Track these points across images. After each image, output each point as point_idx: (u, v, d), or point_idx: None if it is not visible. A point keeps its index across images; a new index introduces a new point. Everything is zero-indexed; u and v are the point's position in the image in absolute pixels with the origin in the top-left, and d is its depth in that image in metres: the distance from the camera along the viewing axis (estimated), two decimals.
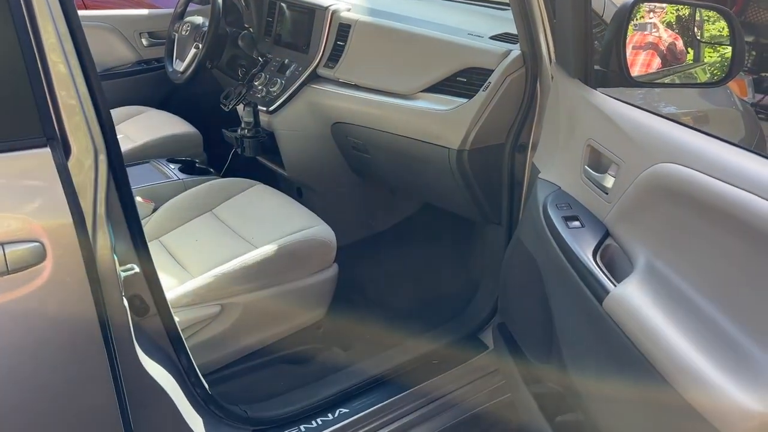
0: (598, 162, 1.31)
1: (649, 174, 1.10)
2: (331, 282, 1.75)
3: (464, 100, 1.67)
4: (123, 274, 1.14)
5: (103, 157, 1.09)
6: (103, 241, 1.09)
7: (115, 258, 1.12)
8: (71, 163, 1.05)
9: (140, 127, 2.49)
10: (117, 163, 1.12)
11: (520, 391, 1.52)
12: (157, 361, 1.26)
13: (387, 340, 1.85)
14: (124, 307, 1.13)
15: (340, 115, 2.04)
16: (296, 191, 2.37)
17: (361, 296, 2.11)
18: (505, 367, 1.63)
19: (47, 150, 1.01)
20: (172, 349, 1.31)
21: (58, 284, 1.02)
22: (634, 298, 1.04)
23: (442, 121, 1.72)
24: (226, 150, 2.38)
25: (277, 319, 1.69)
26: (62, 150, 1.04)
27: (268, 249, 1.64)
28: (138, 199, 1.92)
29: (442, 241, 2.30)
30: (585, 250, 1.17)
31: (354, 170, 2.24)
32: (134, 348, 1.16)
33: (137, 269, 1.16)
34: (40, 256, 0.99)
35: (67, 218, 1.01)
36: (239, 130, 2.20)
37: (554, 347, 1.37)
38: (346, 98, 1.99)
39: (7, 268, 0.97)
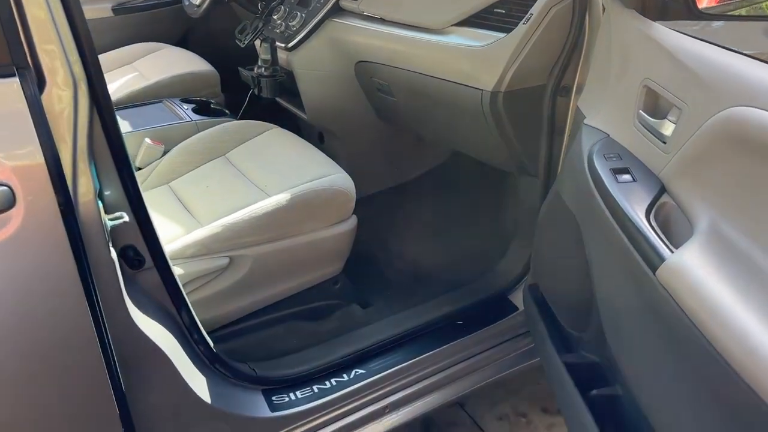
0: (655, 106, 1.12)
1: (720, 119, 0.92)
2: (349, 235, 1.62)
3: (502, 35, 1.48)
4: (110, 224, 1.02)
5: (83, 89, 0.95)
6: (85, 186, 0.96)
7: (100, 205, 1.00)
8: (45, 96, 0.91)
9: (155, 64, 2.36)
10: (101, 97, 0.99)
11: (551, 358, 1.39)
12: (154, 318, 1.15)
13: (409, 298, 1.73)
14: (112, 259, 1.02)
15: (364, 52, 1.87)
16: (318, 137, 2.23)
17: (382, 251, 1.98)
18: (535, 332, 1.49)
19: (16, 80, 0.88)
20: (171, 305, 1.21)
21: (32, 234, 0.90)
22: (694, 267, 0.88)
23: (476, 59, 1.53)
24: (246, 91, 2.24)
25: (290, 273, 1.57)
26: (35, 81, 0.91)
27: (282, 198, 1.51)
28: (147, 141, 1.81)
29: (471, 194, 2.14)
30: (636, 209, 1.01)
31: (379, 115, 2.07)
32: (125, 304, 1.06)
33: (127, 218, 1.04)
34: (9, 202, 0.88)
35: (39, 158, 0.89)
36: (256, 69, 2.04)
37: (592, 315, 1.23)
38: (371, 34, 1.82)
39: None
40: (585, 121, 1.30)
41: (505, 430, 1.93)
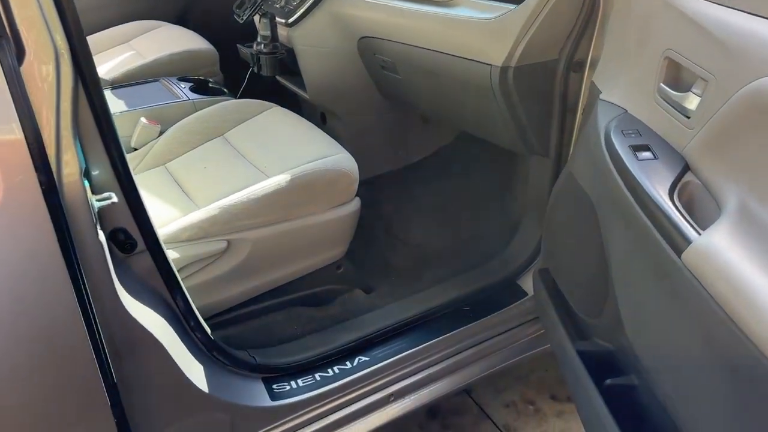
0: (677, 78, 1.05)
1: (750, 91, 0.85)
2: (352, 217, 1.56)
3: (512, 6, 1.41)
4: (97, 205, 0.96)
5: (66, 60, 0.89)
6: (69, 165, 0.90)
7: (86, 185, 0.94)
8: (25, 68, 0.85)
9: (152, 42, 2.29)
10: (86, 69, 0.92)
11: (563, 346, 1.33)
12: (147, 304, 1.10)
13: (413, 283, 1.68)
14: (100, 243, 0.96)
15: (367, 27, 1.79)
16: (319, 117, 2.16)
17: (386, 234, 1.92)
18: (546, 318, 1.43)
19: None
20: (166, 290, 1.15)
21: (11, 215, 0.84)
22: (723, 249, 0.81)
23: (485, 32, 1.46)
24: (246, 70, 2.16)
25: (291, 258, 1.51)
26: (13, 51, 0.84)
27: (282, 179, 1.44)
28: (143, 120, 1.75)
29: (478, 176, 2.08)
30: (659, 188, 0.94)
31: (382, 93, 2.00)
32: (115, 290, 1.00)
33: (115, 198, 0.98)
34: None
35: (19, 134, 0.82)
36: (255, 46, 1.97)
37: (608, 301, 1.17)
38: (374, 7, 1.74)
39: None
40: (601, 97, 1.23)
41: (512, 417, 1.88)
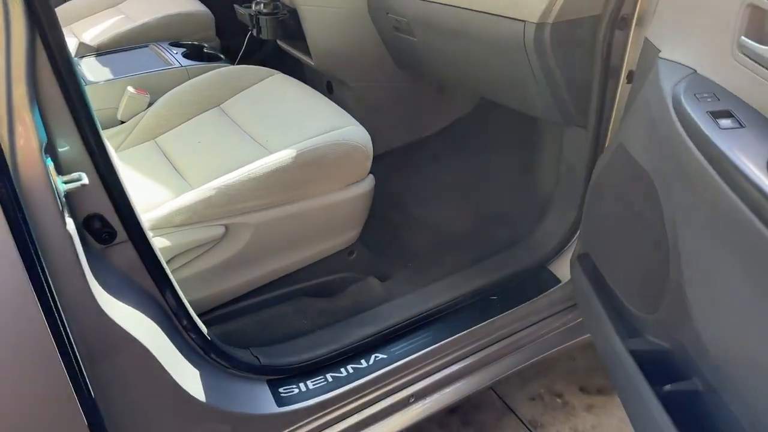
0: (763, 29, 0.87)
1: None
2: (365, 197, 1.38)
3: None
4: (64, 187, 0.79)
5: (17, 10, 0.71)
6: (24, 138, 0.73)
7: (49, 163, 0.77)
8: None
9: (142, 4, 2.11)
10: (46, 21, 0.74)
11: (611, 344, 1.16)
12: (130, 303, 0.93)
13: (433, 269, 1.51)
14: (68, 233, 0.79)
15: None
16: (326, 86, 1.98)
17: (402, 215, 1.75)
18: (588, 311, 1.27)
19: None
20: (153, 285, 0.99)
21: None
22: None
23: None
24: (244, 34, 1.98)
25: (297, 244, 1.35)
26: None
27: (286, 155, 1.27)
28: (130, 89, 1.57)
29: (502, 149, 1.90)
30: (752, 161, 0.77)
31: (395, 59, 1.83)
32: (88, 288, 0.83)
33: (86, 180, 0.81)
34: None
35: None
36: (254, 6, 1.78)
37: (670, 294, 1.00)
38: None
39: None
40: (661, 55, 1.05)
41: (538, 412, 1.73)
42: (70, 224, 0.80)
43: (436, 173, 1.91)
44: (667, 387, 1.03)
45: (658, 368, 1.07)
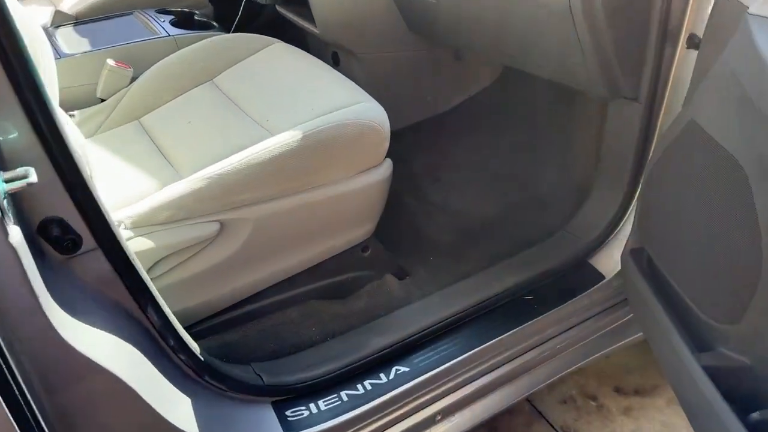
0: None
1: None
2: (382, 185, 1.20)
3: None
4: (4, 187, 0.61)
5: None
6: None
7: None
8: None
9: None
10: None
11: (680, 359, 0.99)
12: (100, 324, 0.76)
13: (458, 265, 1.34)
14: (10, 245, 0.61)
15: None
16: (331, 57, 1.79)
17: (419, 202, 1.57)
18: (645, 315, 1.09)
19: None
20: (131, 301, 0.81)
21: None
22: None
23: None
24: (241, 0, 1.78)
25: (303, 241, 1.17)
26: None
27: (290, 137, 1.08)
28: (110, 62, 1.38)
29: (530, 125, 1.71)
30: None
31: (408, 21, 1.64)
32: (41, 309, 0.65)
33: (33, 177, 0.62)
34: None
35: None
36: None
37: (761, 302, 0.82)
38: None
39: None
40: (750, 11, 0.85)
41: (571, 416, 1.57)
42: (16, 234, 0.62)
43: (455, 153, 1.72)
44: (755, 415, 0.86)
45: (741, 390, 0.89)
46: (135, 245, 0.97)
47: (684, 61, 1.15)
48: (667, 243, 1.06)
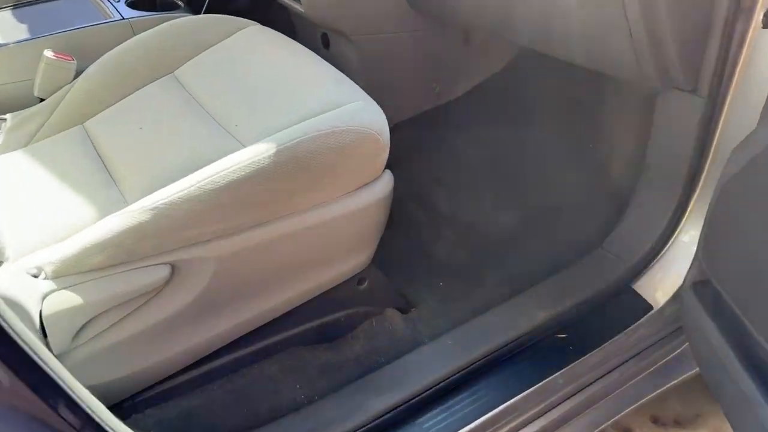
0: None
1: None
2: (380, 205, 0.97)
3: None
4: None
5: None
6: None
7: None
8: None
9: None
10: None
11: (754, 411, 0.77)
12: None
13: (473, 291, 1.12)
14: None
15: None
16: (320, 39, 1.56)
17: (424, 212, 1.33)
18: (713, 363, 0.87)
19: None
20: (34, 397, 0.58)
21: None
22: None
23: None
24: None
25: (281, 280, 0.93)
26: None
27: (265, 149, 0.85)
28: (48, 54, 1.15)
29: (553, 119, 1.47)
30: None
31: (411, 2, 1.42)
32: None
33: None
34: None
35: None
36: None
37: None
38: None
39: None
40: None
41: None
42: None
43: (464, 151, 1.49)
44: None
45: None
46: (58, 302, 0.74)
47: (758, 44, 0.92)
48: (745, 279, 0.83)
